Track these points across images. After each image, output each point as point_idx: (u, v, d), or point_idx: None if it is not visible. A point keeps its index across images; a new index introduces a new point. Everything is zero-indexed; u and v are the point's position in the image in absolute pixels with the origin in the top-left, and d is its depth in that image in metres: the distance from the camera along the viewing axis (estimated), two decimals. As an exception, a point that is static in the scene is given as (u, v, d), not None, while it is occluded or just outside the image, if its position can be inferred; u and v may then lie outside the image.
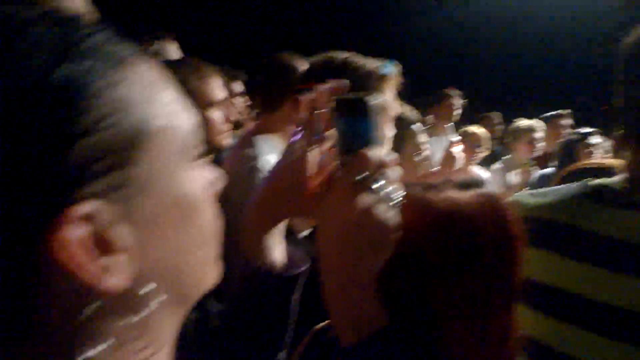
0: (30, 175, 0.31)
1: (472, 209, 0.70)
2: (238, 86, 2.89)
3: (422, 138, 2.31)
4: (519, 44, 10.58)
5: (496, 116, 5.40)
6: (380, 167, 0.60)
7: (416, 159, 2.16)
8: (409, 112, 1.81)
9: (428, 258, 0.69)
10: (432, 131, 4.04)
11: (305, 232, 1.28)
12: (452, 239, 0.69)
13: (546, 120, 3.98)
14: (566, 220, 0.95)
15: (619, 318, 0.85)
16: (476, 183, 0.76)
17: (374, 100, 0.62)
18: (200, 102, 1.45)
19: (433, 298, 0.68)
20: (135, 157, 0.37)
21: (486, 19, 10.58)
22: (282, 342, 0.78)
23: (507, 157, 3.83)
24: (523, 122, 3.73)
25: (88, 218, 0.33)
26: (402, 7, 10.05)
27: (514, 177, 3.69)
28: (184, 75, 1.40)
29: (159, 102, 0.40)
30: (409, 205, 0.64)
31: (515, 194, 1.09)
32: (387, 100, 1.20)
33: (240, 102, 2.95)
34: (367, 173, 0.59)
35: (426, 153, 2.23)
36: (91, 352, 0.35)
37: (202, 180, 0.45)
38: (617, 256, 0.87)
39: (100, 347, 0.36)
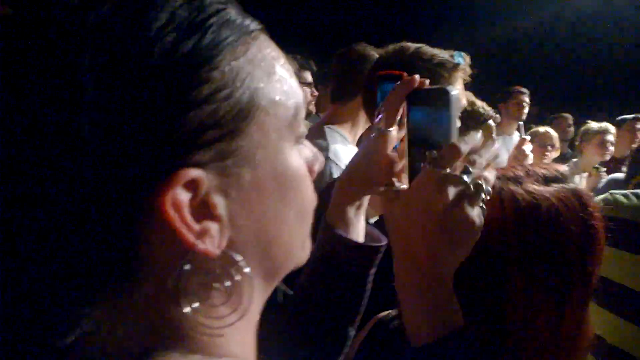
0: (150, 136, 0.34)
1: (556, 204, 0.67)
2: (307, 76, 2.98)
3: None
4: (594, 45, 10.02)
5: (568, 117, 5.19)
6: (470, 160, 0.58)
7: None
8: (485, 107, 1.79)
9: (509, 253, 0.67)
10: (499, 129, 3.99)
11: (373, 220, 1.28)
12: (535, 234, 0.67)
13: (621, 123, 3.80)
14: None
15: None
16: (560, 177, 0.73)
17: (455, 91, 0.61)
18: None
19: (512, 292, 0.67)
20: (245, 129, 0.38)
21: (559, 19, 10.13)
22: (356, 316, 0.77)
23: (576, 159, 3.72)
24: (594, 124, 3.61)
25: (193, 183, 0.35)
26: (474, 6, 9.81)
27: (582, 180, 3.58)
28: None
29: (274, 77, 0.41)
30: (490, 198, 0.61)
31: (611, 192, 1.08)
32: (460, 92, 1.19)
33: (308, 92, 3.03)
34: (457, 165, 0.58)
35: (496, 150, 2.25)
36: (186, 309, 0.37)
37: (303, 158, 0.46)
38: None
39: (193, 305, 0.37)
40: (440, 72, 1.14)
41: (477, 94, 1.79)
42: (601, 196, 1.05)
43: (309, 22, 8.76)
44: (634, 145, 3.08)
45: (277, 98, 0.41)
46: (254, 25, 0.41)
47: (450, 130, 0.59)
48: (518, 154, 2.43)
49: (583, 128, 3.71)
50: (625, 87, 9.40)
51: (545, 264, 0.67)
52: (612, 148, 3.50)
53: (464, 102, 1.29)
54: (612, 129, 3.57)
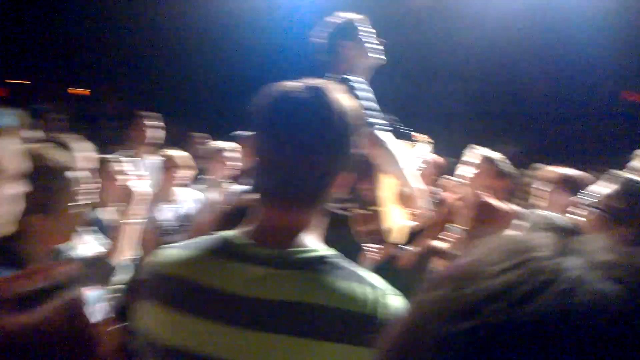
0: None
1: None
2: None
3: (119, 166, 2.27)
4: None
5: (203, 136, 5.60)
6: None
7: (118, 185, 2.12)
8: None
9: None
10: (134, 155, 3.95)
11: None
12: None
13: (239, 138, 4.35)
14: (188, 277, 0.97)
15: None
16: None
17: None
18: None
19: None
20: None
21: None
22: None
23: (207, 177, 4.07)
24: (215, 143, 4.01)
25: None
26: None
27: (216, 195, 3.94)
28: None
29: None
30: None
31: (163, 247, 1.08)
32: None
33: None
34: None
35: (125, 180, 2.17)
36: None
37: None
38: (234, 310, 0.93)
39: None
40: None
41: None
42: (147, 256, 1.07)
43: None
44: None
45: None
46: None
47: None
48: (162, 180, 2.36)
49: (208, 147, 4.08)
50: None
51: None
52: (237, 163, 3.96)
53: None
54: (234, 145, 4.04)
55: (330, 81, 1.05)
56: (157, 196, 3.41)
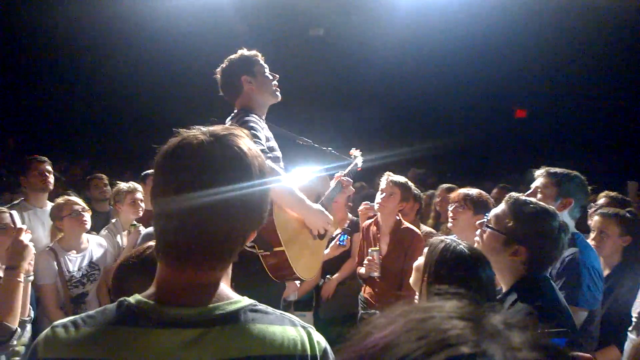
0: None
1: None
2: None
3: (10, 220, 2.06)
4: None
5: (104, 177, 5.27)
6: None
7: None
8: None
9: None
10: (27, 204, 3.62)
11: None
12: None
13: (144, 177, 4.17)
14: (100, 356, 0.86)
15: None
16: None
17: None
18: None
19: None
20: None
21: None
22: None
23: (115, 220, 3.83)
24: (124, 185, 3.80)
25: None
26: None
27: (122, 238, 3.71)
28: None
29: None
30: None
31: (51, 326, 0.93)
32: None
33: None
34: None
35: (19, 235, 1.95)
36: None
37: None
38: None
39: None
40: None
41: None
42: (42, 335, 0.91)
43: None
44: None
45: None
46: None
47: None
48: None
49: (114, 190, 3.84)
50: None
51: None
52: (143, 204, 3.78)
53: None
54: (139, 187, 3.85)
55: (233, 128, 0.99)
56: (60, 247, 3.17)
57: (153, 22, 8.13)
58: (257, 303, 0.96)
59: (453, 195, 3.08)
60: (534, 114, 12.24)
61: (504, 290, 1.84)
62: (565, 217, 2.47)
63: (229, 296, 0.95)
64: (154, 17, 7.95)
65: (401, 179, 3.44)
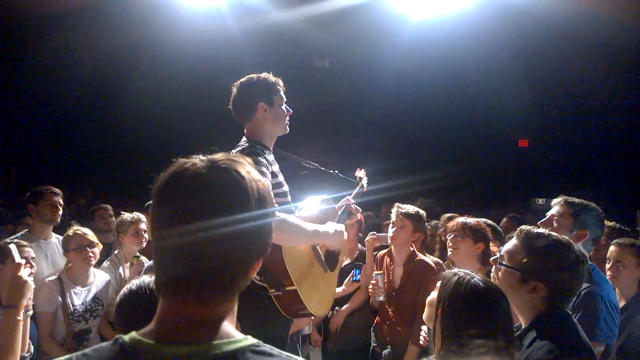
0: None
1: None
2: None
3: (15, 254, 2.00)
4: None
5: (109, 208, 5.26)
6: None
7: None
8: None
9: None
10: (32, 236, 3.57)
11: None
12: None
13: (147, 208, 4.12)
14: None
15: None
16: None
17: None
18: None
19: None
20: None
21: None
22: None
23: (117, 251, 3.76)
24: (128, 216, 3.75)
25: None
26: None
27: (125, 270, 3.64)
28: None
29: None
30: None
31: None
32: None
33: None
34: None
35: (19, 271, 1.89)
36: None
37: None
38: None
39: None
40: None
41: None
42: None
43: None
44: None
45: None
46: None
47: None
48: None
49: (118, 220, 3.78)
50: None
51: None
52: (146, 235, 3.72)
53: None
54: (143, 217, 3.80)
55: (236, 156, 0.94)
56: (67, 278, 3.12)
57: (158, 53, 8.26)
58: (260, 343, 0.90)
59: (451, 224, 3.02)
60: (535, 143, 12.27)
61: (523, 325, 1.77)
62: (580, 248, 2.41)
63: (230, 335, 0.89)
64: (159, 48, 8.08)
65: (411, 209, 3.38)
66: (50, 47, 8.26)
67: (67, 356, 0.90)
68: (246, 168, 0.92)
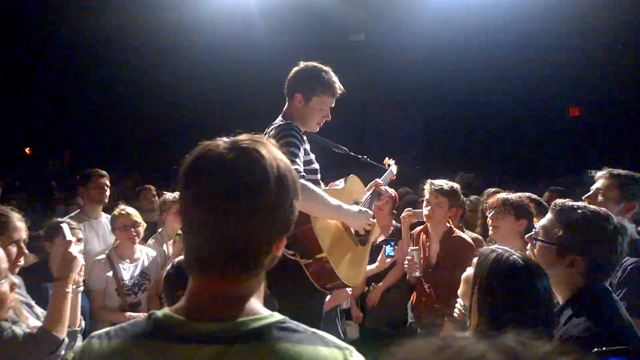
0: None
1: None
2: None
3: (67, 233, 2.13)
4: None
5: (152, 188, 5.44)
6: None
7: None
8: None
9: None
10: (83, 215, 3.77)
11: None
12: None
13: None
14: None
15: None
16: None
17: None
18: None
19: None
20: None
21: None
22: None
23: (161, 229, 3.92)
24: (169, 195, 3.89)
25: None
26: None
27: (169, 247, 3.79)
28: None
29: None
30: None
31: (89, 337, 0.98)
32: None
33: None
34: None
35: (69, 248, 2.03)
36: None
37: None
38: None
39: None
40: None
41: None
42: (80, 345, 0.98)
43: None
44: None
45: None
46: None
47: None
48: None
49: (161, 200, 3.94)
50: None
51: None
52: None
53: None
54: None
55: (259, 137, 0.96)
56: (115, 255, 3.32)
57: (196, 37, 8.37)
58: (286, 319, 0.92)
59: (491, 200, 2.90)
60: (588, 111, 11.63)
61: (561, 303, 1.72)
62: (627, 222, 2.31)
63: (257, 311, 0.91)
64: (196, 32, 8.18)
65: (445, 184, 3.29)
66: (99, 36, 8.55)
67: (108, 329, 0.96)
68: (268, 148, 0.93)
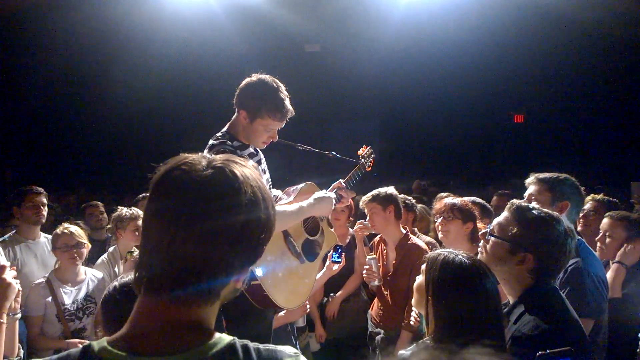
0: None
1: None
2: None
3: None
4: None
5: (99, 205, 5.21)
6: None
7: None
8: None
9: None
10: (19, 237, 3.54)
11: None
12: None
13: (136, 202, 4.08)
14: None
15: None
16: None
17: None
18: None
19: None
20: None
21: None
22: None
23: (113, 247, 3.73)
24: (126, 210, 3.68)
25: None
26: None
27: (122, 267, 3.61)
28: None
29: None
30: None
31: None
32: None
33: None
34: None
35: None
36: None
37: None
38: None
39: None
40: None
41: None
42: None
43: None
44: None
45: None
46: None
47: None
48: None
49: (114, 215, 3.71)
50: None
51: None
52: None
53: None
54: (142, 213, 3.72)
55: (234, 157, 0.92)
56: (56, 278, 3.09)
57: (147, 44, 8.14)
58: (236, 340, 0.87)
59: (438, 206, 2.97)
60: (531, 118, 12.20)
61: (511, 302, 1.76)
62: (565, 220, 2.41)
63: (203, 340, 0.85)
64: (148, 39, 7.96)
65: (375, 192, 3.32)
66: (38, 43, 8.15)
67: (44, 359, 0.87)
68: (243, 170, 0.88)
